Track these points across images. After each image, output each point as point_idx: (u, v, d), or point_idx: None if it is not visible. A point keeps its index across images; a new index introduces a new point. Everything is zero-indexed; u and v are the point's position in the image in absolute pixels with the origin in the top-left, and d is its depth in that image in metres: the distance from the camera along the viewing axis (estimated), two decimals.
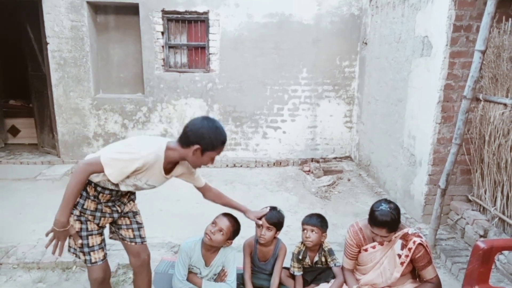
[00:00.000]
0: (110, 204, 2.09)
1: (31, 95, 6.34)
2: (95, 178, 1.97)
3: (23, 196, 4.62)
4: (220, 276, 2.50)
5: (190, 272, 2.47)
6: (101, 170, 1.85)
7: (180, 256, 2.44)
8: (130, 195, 2.24)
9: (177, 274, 2.41)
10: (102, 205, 2.05)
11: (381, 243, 2.37)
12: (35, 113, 6.36)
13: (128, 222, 2.21)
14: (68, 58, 5.62)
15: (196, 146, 1.88)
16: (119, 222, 2.21)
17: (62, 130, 5.87)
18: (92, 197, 2.02)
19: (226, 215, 2.43)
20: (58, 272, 3.02)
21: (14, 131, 6.90)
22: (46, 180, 5.21)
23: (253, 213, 2.50)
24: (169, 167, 2.02)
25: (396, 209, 2.26)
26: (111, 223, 2.23)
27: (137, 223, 2.25)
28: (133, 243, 2.21)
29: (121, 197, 2.14)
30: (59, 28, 5.50)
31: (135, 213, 2.26)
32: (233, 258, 2.48)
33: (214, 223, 2.38)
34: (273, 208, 2.60)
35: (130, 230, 2.21)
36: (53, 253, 1.98)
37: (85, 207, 2.02)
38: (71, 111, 5.82)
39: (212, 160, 1.98)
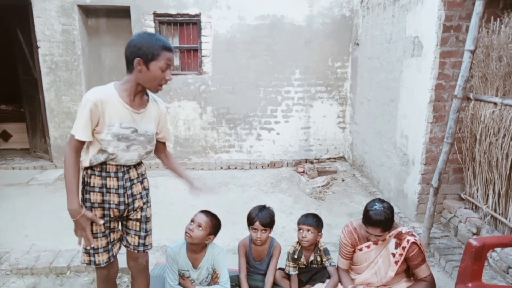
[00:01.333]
0: (121, 191, 2.01)
1: (23, 100, 6.28)
2: (85, 161, 1.96)
3: (15, 202, 4.58)
4: (213, 279, 2.50)
5: (183, 276, 2.47)
6: (76, 140, 1.86)
7: (167, 262, 2.44)
8: (141, 187, 2.13)
9: (168, 280, 2.41)
10: (109, 195, 1.99)
11: (376, 243, 2.39)
12: (26, 118, 6.30)
13: (138, 229, 2.15)
14: (60, 62, 5.58)
15: (137, 60, 1.83)
16: (130, 225, 2.15)
17: (54, 135, 5.83)
18: (98, 188, 1.98)
19: (203, 211, 2.45)
20: (52, 278, 3.00)
21: (6, 136, 6.84)
22: (39, 185, 5.17)
23: (199, 184, 2.31)
24: (136, 101, 1.97)
25: (390, 208, 2.29)
26: (123, 227, 2.18)
27: (146, 230, 2.18)
28: (135, 251, 2.18)
29: (132, 184, 2.06)
30: (50, 31, 5.47)
31: (148, 220, 2.18)
32: (222, 259, 2.48)
33: (192, 221, 2.39)
34: (263, 207, 2.61)
35: (136, 237, 2.15)
36: (87, 245, 1.96)
37: (92, 201, 1.99)
38: (63, 115, 5.78)
39: (163, 71, 1.87)
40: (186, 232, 2.37)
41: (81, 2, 5.45)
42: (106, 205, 2.01)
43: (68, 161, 1.89)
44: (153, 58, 1.84)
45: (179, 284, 2.44)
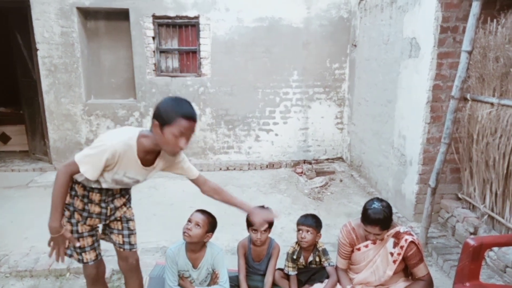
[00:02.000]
0: (103, 205, 2.07)
1: (22, 102, 6.29)
2: (79, 178, 1.98)
3: (15, 204, 4.58)
4: (212, 279, 2.51)
5: (182, 277, 2.48)
6: (77, 169, 1.84)
7: (167, 263, 2.46)
8: (124, 199, 2.21)
9: (168, 281, 2.43)
10: (90, 205, 2.04)
11: (374, 242, 2.40)
12: (26, 120, 6.31)
13: (120, 228, 2.20)
14: (59, 64, 5.60)
15: (154, 121, 1.80)
16: (112, 225, 2.21)
17: (53, 137, 5.84)
18: (80, 196, 2.02)
19: (198, 210, 2.47)
20: (52, 280, 3.00)
21: (5, 138, 6.84)
22: (38, 187, 5.18)
23: (259, 215, 2.27)
24: (148, 158, 1.95)
25: (388, 207, 2.31)
26: (105, 225, 2.22)
27: (129, 229, 2.22)
28: (121, 249, 2.22)
29: (114, 199, 2.12)
30: (49, 34, 5.48)
31: (129, 219, 2.24)
32: (221, 259, 2.49)
33: (189, 220, 2.41)
34: (261, 207, 2.62)
35: (120, 236, 2.20)
36: (57, 260, 1.97)
37: (75, 205, 2.03)
38: (63, 117, 5.80)
39: (176, 138, 1.78)
40: (184, 232, 2.38)
41: (80, 4, 5.47)
42: (85, 214, 2.06)
43: (61, 181, 1.87)
44: (168, 123, 1.77)
45: (179, 285, 2.45)
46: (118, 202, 2.15)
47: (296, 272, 2.68)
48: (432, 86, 3.63)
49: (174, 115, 1.76)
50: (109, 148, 1.81)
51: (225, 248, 3.30)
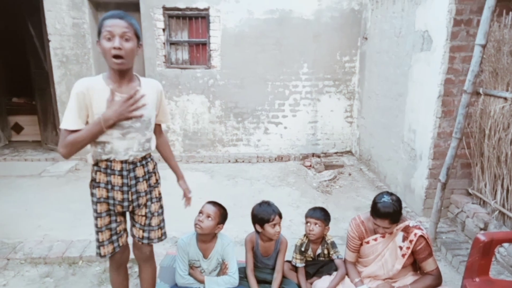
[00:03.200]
0: (125, 188, 2.03)
1: (34, 93, 6.38)
2: (92, 155, 1.99)
3: (28, 193, 4.67)
4: (222, 270, 2.55)
5: (192, 267, 2.52)
6: (66, 133, 1.85)
7: (178, 253, 2.50)
8: (147, 185, 2.13)
9: (178, 270, 2.47)
10: (113, 191, 2.02)
11: (383, 235, 2.41)
12: (38, 110, 6.41)
13: (143, 223, 2.17)
14: (70, 55, 5.65)
15: (97, 43, 1.87)
16: (136, 218, 2.17)
17: None
18: (103, 184, 2.01)
19: (210, 202, 2.51)
20: (65, 267, 3.07)
21: (18, 128, 6.95)
22: (50, 176, 5.26)
23: (184, 184, 2.43)
24: (122, 87, 1.92)
25: (398, 201, 2.31)
26: (130, 219, 2.22)
27: (150, 225, 2.18)
28: (139, 242, 2.23)
29: (137, 183, 2.07)
30: (61, 25, 5.53)
31: (153, 215, 2.18)
32: (232, 250, 2.52)
33: (200, 212, 2.45)
34: (265, 203, 2.62)
35: (141, 231, 2.18)
36: (137, 113, 1.89)
37: (98, 196, 2.03)
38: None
39: (108, 41, 1.81)
40: (196, 224, 2.41)
41: None
42: (111, 201, 2.05)
43: (65, 144, 1.85)
44: (99, 33, 1.83)
45: (189, 274, 2.49)
46: (140, 186, 2.09)
47: (303, 264, 2.70)
48: (444, 80, 3.59)
49: (100, 22, 1.85)
50: (74, 89, 1.85)
51: (235, 239, 3.33)
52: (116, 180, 2.01)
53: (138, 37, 1.91)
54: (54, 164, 5.77)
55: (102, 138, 1.92)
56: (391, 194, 2.35)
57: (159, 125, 2.27)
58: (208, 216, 2.41)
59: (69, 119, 1.85)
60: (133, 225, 2.22)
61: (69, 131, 1.85)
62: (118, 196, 2.03)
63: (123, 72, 1.90)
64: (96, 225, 2.08)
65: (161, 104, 2.16)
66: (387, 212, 2.25)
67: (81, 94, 1.85)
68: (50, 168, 5.58)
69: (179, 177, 2.44)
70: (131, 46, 1.85)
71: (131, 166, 2.03)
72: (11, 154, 6.09)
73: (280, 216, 2.58)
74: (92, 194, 2.06)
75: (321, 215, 2.64)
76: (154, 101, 2.07)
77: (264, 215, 2.54)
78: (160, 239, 2.25)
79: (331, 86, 6.13)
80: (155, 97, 2.08)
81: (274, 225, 2.55)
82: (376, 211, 2.29)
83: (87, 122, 1.90)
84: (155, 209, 2.19)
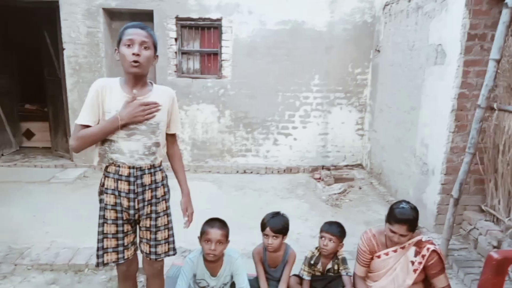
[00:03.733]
0: (131, 195, 2.02)
1: (47, 100, 6.46)
2: (98, 153, 2.02)
3: (37, 199, 4.69)
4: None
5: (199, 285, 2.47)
6: (78, 126, 1.95)
7: (183, 270, 2.44)
8: (152, 195, 2.11)
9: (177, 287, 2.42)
10: (121, 198, 2.02)
11: (395, 250, 2.37)
12: (49, 117, 6.48)
13: (148, 237, 2.15)
14: (84, 63, 5.72)
15: (115, 51, 1.98)
16: (141, 234, 2.16)
17: None
18: (110, 190, 2.02)
19: (211, 225, 2.36)
20: (71, 274, 3.06)
21: (29, 134, 7.04)
22: (59, 183, 5.29)
23: (184, 204, 2.32)
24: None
25: (416, 210, 2.33)
26: (139, 234, 2.20)
27: (156, 239, 2.15)
28: (148, 258, 2.20)
29: (144, 191, 2.06)
30: (76, 34, 5.61)
31: (158, 229, 2.14)
32: (241, 265, 2.47)
33: (207, 240, 2.32)
34: (276, 214, 2.60)
35: (147, 246, 2.16)
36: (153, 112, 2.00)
37: (106, 202, 2.03)
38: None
39: (128, 48, 1.91)
40: (208, 254, 2.32)
41: (106, 5, 5.58)
42: (119, 208, 2.04)
43: (76, 137, 1.94)
44: (119, 41, 1.95)
45: None
46: (148, 195, 2.08)
47: (310, 278, 2.65)
48: (458, 94, 3.54)
49: (121, 31, 1.96)
50: (92, 87, 1.96)
51: (242, 252, 3.29)
52: (123, 186, 2.01)
53: (155, 48, 2.02)
54: (63, 171, 5.81)
55: (108, 137, 1.98)
56: (408, 202, 2.36)
57: (173, 135, 2.26)
58: (219, 242, 2.32)
59: (82, 115, 1.96)
60: (140, 241, 2.20)
61: (81, 126, 1.95)
62: (125, 202, 2.03)
63: (138, 77, 1.99)
64: (101, 232, 2.06)
65: (173, 111, 2.18)
66: (406, 218, 2.24)
67: (95, 92, 1.95)
68: (59, 174, 5.61)
69: (184, 193, 2.33)
70: (148, 54, 1.96)
71: (138, 173, 2.03)
72: (21, 160, 6.15)
73: (276, 231, 2.51)
74: (101, 200, 2.06)
75: (337, 231, 2.59)
76: (165, 106, 2.09)
77: (262, 222, 2.57)
78: (167, 253, 2.21)
79: (342, 98, 6.10)
80: (167, 103, 2.10)
81: (267, 236, 2.52)
82: (393, 216, 2.28)
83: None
84: (161, 223, 2.16)
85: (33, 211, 4.31)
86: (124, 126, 1.93)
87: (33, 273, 3.05)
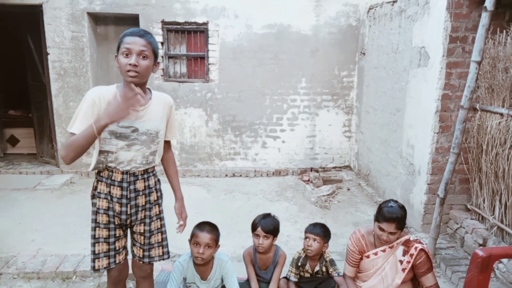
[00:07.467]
0: (123, 201, 2.01)
1: (31, 105, 6.35)
2: (96, 161, 1.97)
3: (22, 206, 4.61)
4: None
5: None
6: (71, 135, 1.88)
7: (172, 274, 2.43)
8: (146, 200, 2.10)
9: None
10: (113, 203, 2.01)
11: (384, 250, 2.40)
12: (34, 123, 6.37)
13: (142, 242, 2.14)
14: (68, 68, 5.65)
15: (115, 58, 1.93)
16: (135, 237, 2.15)
17: (61, 140, 5.87)
18: (103, 195, 2.01)
19: (201, 229, 2.36)
20: (58, 282, 3.01)
21: (13, 141, 6.90)
22: (45, 190, 5.21)
23: (179, 209, 2.34)
24: None
25: (404, 208, 2.39)
26: (132, 238, 2.18)
27: (150, 244, 2.15)
28: (140, 262, 2.19)
29: (137, 196, 2.05)
30: (60, 38, 5.55)
31: (152, 233, 2.15)
32: (230, 268, 2.47)
33: (196, 243, 2.32)
34: (267, 215, 2.62)
35: (141, 250, 2.15)
36: (141, 103, 1.87)
37: (98, 206, 2.02)
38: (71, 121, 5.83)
39: (126, 57, 1.85)
40: (196, 257, 2.32)
41: (90, 10, 5.53)
42: (111, 213, 2.03)
43: (64, 145, 1.85)
44: (118, 48, 1.90)
45: None
46: (140, 200, 2.07)
47: (296, 280, 2.67)
48: (441, 96, 3.62)
49: (120, 38, 1.90)
50: (88, 95, 1.90)
51: (231, 255, 3.29)
52: (116, 191, 2.00)
53: (156, 55, 1.95)
54: (49, 177, 5.71)
55: (107, 148, 1.94)
56: (396, 201, 2.41)
57: (168, 142, 2.26)
58: (207, 246, 2.32)
59: (75, 123, 1.89)
60: (133, 244, 2.19)
61: (73, 135, 1.87)
62: (117, 207, 2.02)
63: (136, 85, 1.90)
64: (93, 236, 2.04)
65: (170, 118, 2.15)
66: (395, 216, 2.29)
67: (91, 101, 1.89)
68: (45, 181, 5.52)
69: (178, 198, 2.34)
70: (147, 64, 1.89)
71: (132, 178, 2.02)
72: (5, 167, 6.02)
73: (267, 232, 2.54)
74: (93, 204, 2.04)
75: (321, 231, 2.61)
76: (163, 114, 2.07)
77: (253, 223, 2.59)
78: (161, 257, 2.21)
79: (329, 100, 6.15)
80: (165, 111, 2.08)
81: (257, 236, 2.54)
82: (383, 215, 2.32)
83: None
84: (155, 227, 2.17)
85: (19, 218, 4.23)
86: (105, 126, 1.80)
87: (19, 282, 3.00)
